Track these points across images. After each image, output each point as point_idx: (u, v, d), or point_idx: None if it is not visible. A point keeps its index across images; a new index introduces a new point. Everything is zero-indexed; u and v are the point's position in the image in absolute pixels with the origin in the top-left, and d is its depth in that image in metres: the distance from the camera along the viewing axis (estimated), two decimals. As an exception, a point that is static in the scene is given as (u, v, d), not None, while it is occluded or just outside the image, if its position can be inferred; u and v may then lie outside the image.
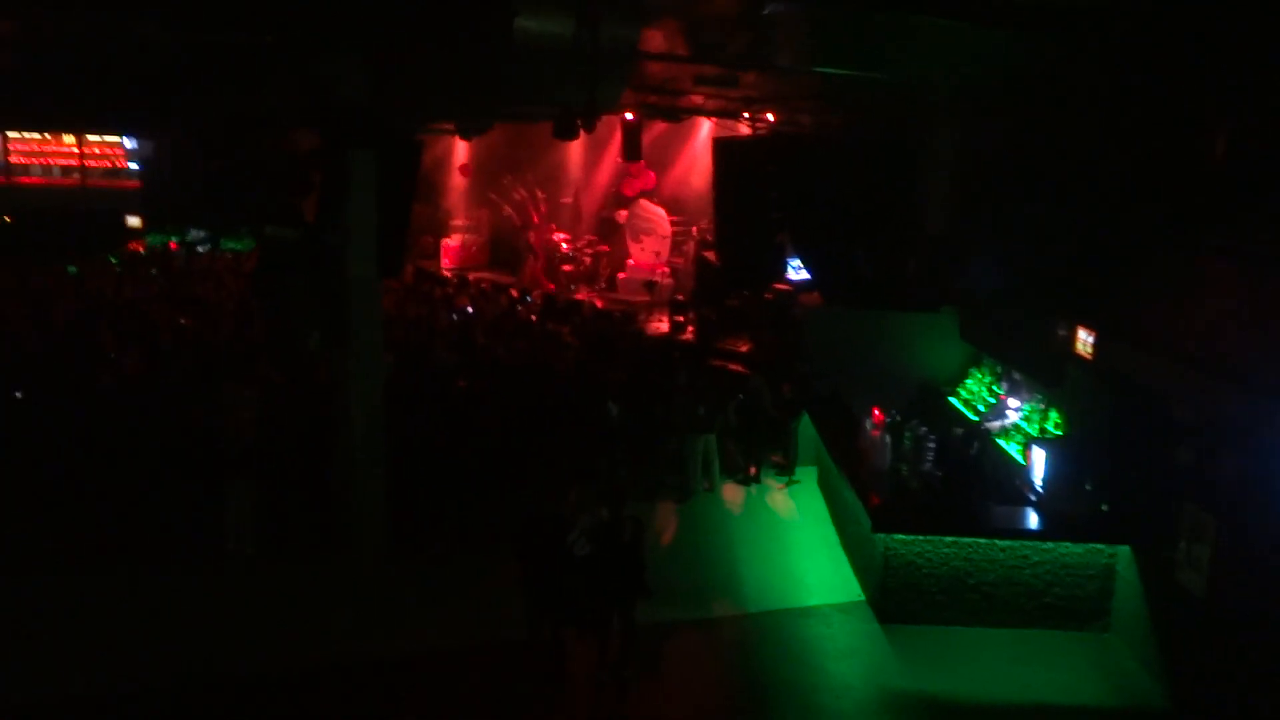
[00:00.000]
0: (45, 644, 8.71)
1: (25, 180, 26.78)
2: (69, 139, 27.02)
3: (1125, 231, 9.05)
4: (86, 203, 26.87)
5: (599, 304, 19.87)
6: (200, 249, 26.62)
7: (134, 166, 27.72)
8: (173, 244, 26.71)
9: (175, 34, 9.90)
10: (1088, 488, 9.37)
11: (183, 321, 15.62)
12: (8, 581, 9.72)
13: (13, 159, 26.59)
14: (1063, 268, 9.51)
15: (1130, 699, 8.40)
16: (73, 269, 20.82)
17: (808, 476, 13.50)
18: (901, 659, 8.94)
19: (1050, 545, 9.30)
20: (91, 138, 27.20)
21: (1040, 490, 9.47)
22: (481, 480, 10.83)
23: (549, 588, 8.11)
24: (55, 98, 16.56)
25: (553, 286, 21.56)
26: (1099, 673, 8.77)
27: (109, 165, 27.59)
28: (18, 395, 11.98)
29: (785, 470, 13.58)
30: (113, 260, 22.27)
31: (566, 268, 21.52)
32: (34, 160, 26.92)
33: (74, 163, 27.29)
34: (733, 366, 15.17)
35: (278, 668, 8.47)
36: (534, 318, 18.47)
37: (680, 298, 19.08)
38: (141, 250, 25.72)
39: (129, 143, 27.51)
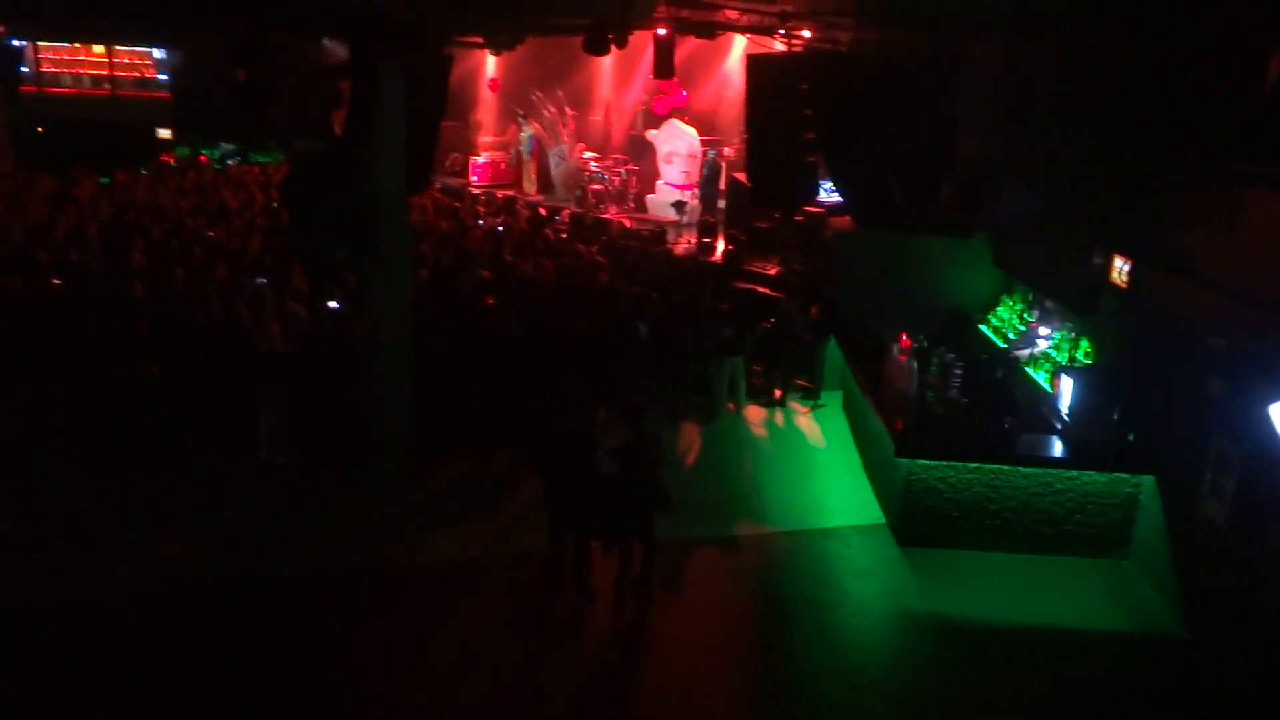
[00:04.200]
0: (74, 543, 9.00)
1: (56, 90, 26.69)
2: (98, 49, 26.81)
3: (1167, 159, 8.82)
4: (117, 114, 26.81)
5: (628, 223, 19.72)
6: (230, 162, 26.59)
7: (163, 78, 27.52)
8: (202, 157, 26.69)
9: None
10: (1115, 417, 9.34)
11: (212, 234, 15.70)
12: (42, 481, 10.02)
13: (44, 69, 26.47)
14: (1101, 195, 9.30)
15: (1146, 625, 8.49)
16: (106, 179, 20.93)
17: (833, 400, 13.53)
18: (919, 580, 9.06)
19: (1074, 473, 9.31)
20: (120, 48, 26.97)
21: (1066, 419, 9.44)
22: (509, 396, 10.94)
23: (573, 503, 8.25)
24: (82, 5, 16.46)
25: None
26: (1115, 599, 8.86)
27: (138, 76, 27.40)
28: (56, 282, 12.15)
29: (811, 394, 13.60)
30: (143, 171, 22.32)
31: (595, 187, 21.32)
32: (64, 70, 26.78)
33: (104, 73, 27.10)
34: (760, 289, 15.08)
35: (303, 571, 8.71)
36: (563, 236, 18.41)
37: (709, 219, 18.88)
38: (172, 162, 25.73)
39: (158, 53, 27.27)
